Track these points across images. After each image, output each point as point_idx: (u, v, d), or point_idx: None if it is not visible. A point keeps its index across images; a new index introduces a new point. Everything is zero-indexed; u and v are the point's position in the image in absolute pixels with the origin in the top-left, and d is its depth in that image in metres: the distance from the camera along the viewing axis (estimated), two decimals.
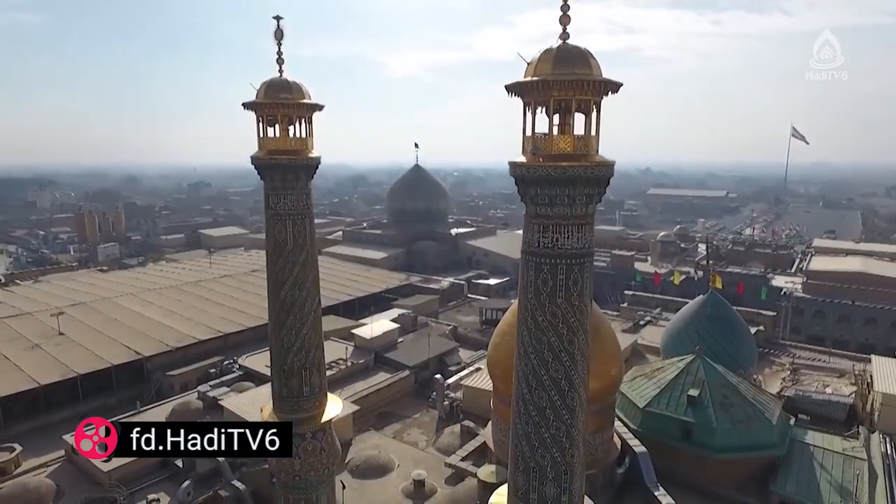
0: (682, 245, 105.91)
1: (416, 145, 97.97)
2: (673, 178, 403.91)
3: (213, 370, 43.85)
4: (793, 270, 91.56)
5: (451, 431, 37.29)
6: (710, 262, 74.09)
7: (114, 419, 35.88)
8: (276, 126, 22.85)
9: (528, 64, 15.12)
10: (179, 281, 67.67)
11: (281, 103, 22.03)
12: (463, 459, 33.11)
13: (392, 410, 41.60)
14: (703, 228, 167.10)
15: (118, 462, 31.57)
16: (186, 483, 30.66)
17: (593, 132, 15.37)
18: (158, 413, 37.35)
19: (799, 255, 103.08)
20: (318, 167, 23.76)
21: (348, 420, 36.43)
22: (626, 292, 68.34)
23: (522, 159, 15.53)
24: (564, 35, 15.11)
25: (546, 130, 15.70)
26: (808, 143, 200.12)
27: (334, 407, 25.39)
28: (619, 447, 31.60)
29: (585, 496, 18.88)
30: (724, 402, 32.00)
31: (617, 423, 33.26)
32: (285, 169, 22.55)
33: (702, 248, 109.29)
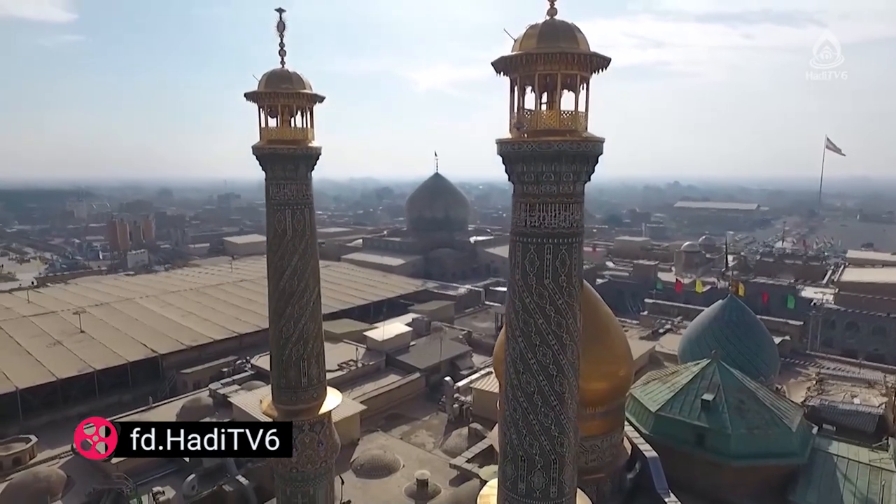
0: (708, 256, 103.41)
1: (436, 154, 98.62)
2: (702, 191, 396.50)
3: (225, 369, 44.28)
4: (824, 282, 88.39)
5: (459, 434, 36.75)
6: (731, 267, 71.92)
7: (125, 415, 36.60)
8: (278, 117, 23.18)
9: (515, 40, 14.93)
10: (200, 284, 68.96)
11: (281, 93, 22.23)
12: (469, 461, 32.49)
13: (401, 412, 41.28)
14: (732, 240, 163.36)
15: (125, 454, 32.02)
16: (191, 477, 30.84)
17: (582, 109, 15.07)
18: (169, 409, 37.78)
19: (832, 267, 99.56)
20: (318, 158, 23.87)
21: (355, 419, 36.24)
22: (646, 300, 66.86)
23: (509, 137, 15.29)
24: (552, 10, 14.90)
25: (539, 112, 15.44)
26: (843, 155, 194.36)
27: (333, 399, 25.23)
28: (630, 452, 30.61)
29: (580, 490, 18.25)
30: (741, 407, 30.74)
31: (628, 428, 32.26)
32: (285, 158, 22.70)
33: (729, 258, 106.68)
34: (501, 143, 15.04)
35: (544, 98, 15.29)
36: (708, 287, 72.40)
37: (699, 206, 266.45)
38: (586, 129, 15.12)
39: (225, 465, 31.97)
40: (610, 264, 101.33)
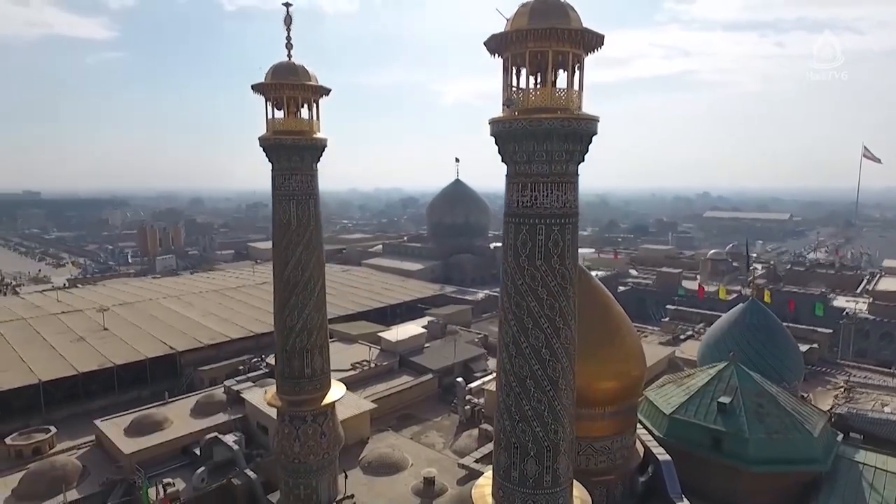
0: (735, 264, 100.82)
1: (457, 160, 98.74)
2: (733, 202, 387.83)
3: (241, 367, 44.78)
4: (858, 291, 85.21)
5: (469, 435, 36.31)
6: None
7: (141, 408, 37.28)
8: (285, 109, 23.51)
9: (507, 20, 14.84)
10: (221, 286, 70.21)
11: (286, 84, 22.61)
12: (477, 461, 31.99)
13: (413, 413, 41.05)
14: (762, 250, 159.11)
15: (138, 446, 32.64)
16: (201, 470, 31.11)
17: (575, 87, 14.88)
18: (184, 405, 38.32)
19: (867, 277, 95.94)
20: (324, 149, 24.13)
21: (365, 418, 36.15)
22: (667, 307, 65.42)
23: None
24: None
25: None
26: (881, 163, 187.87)
27: (337, 391, 25.28)
28: (642, 455, 29.74)
29: (578, 483, 17.77)
30: (759, 411, 29.59)
31: (641, 431, 31.41)
32: (290, 149, 23.00)
33: (757, 267, 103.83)
34: (493, 123, 14.93)
35: (539, 79, 15.20)
36: (734, 295, 70.52)
37: (729, 216, 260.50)
38: (580, 108, 14.91)
39: (234, 459, 32.19)
40: (633, 272, 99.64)
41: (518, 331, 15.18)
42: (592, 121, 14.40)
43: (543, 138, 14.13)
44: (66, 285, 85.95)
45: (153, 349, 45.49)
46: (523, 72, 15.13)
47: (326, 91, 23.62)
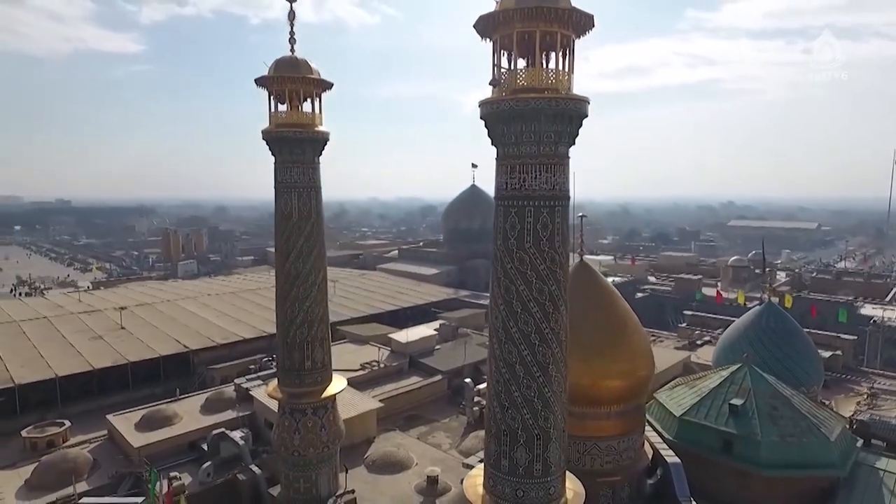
0: (757, 271, 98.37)
1: (474, 165, 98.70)
2: (759, 211, 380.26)
3: (252, 366, 45.11)
4: (888, 299, 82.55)
5: (476, 435, 35.86)
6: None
7: (153, 404, 37.81)
8: (287, 103, 23.78)
9: (497, 2, 14.80)
10: (238, 289, 71.10)
11: (288, 77, 22.87)
12: (482, 461, 31.61)
13: (421, 414, 40.85)
14: (787, 258, 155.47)
15: (147, 440, 33.07)
16: (207, 464, 31.32)
17: (564, 68, 14.75)
18: (195, 401, 38.80)
19: None
20: (326, 142, 24.30)
21: (372, 417, 36.09)
22: (685, 312, 64.17)
23: None
24: None
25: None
26: None
27: (337, 384, 25.25)
28: (651, 457, 29.04)
29: (572, 476, 17.40)
30: (773, 413, 28.68)
31: (651, 433, 30.72)
32: (292, 142, 23.23)
33: (781, 275, 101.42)
34: (482, 105, 14.85)
35: (529, 61, 15.09)
36: (755, 304, 68.83)
37: (753, 225, 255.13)
38: (570, 89, 14.76)
39: (240, 455, 32.35)
40: (652, 279, 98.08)
41: (507, 315, 14.99)
42: (581, 101, 14.23)
43: (531, 119, 14.00)
44: (90, 288, 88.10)
45: (167, 347, 46.19)
46: (514, 56, 15.09)
47: (329, 85, 23.85)
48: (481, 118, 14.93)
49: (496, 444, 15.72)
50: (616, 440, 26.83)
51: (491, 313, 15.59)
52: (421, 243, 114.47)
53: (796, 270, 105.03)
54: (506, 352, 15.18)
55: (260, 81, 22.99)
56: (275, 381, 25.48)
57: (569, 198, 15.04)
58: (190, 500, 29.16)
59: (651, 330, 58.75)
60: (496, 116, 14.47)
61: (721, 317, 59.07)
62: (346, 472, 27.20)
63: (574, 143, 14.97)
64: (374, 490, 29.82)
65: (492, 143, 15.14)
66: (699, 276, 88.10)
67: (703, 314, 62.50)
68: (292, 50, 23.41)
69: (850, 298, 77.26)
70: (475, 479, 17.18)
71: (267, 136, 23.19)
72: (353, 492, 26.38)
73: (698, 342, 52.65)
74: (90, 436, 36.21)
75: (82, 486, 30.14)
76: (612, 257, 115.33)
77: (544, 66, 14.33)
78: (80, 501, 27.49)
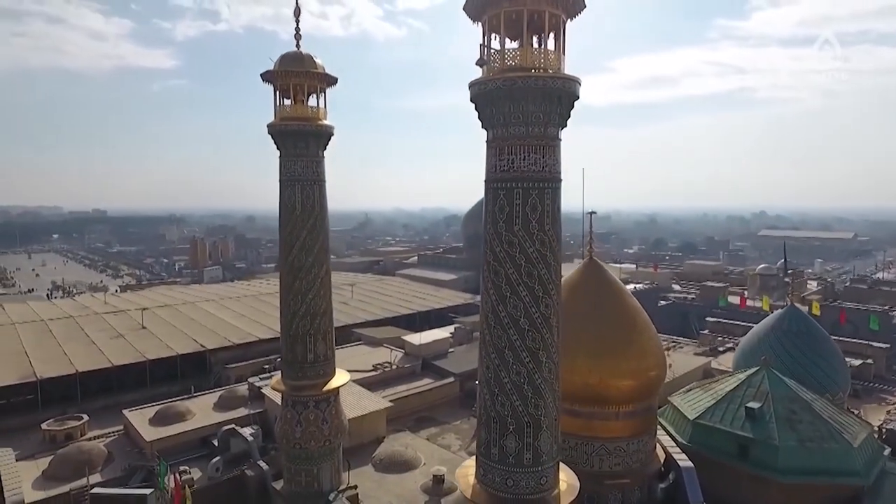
0: (787, 280, 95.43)
1: None
2: (793, 221, 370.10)
3: (266, 366, 45.58)
4: None
5: None
6: (790, 271, 65.59)
7: (168, 401, 38.40)
8: (292, 98, 24.06)
9: None
10: (258, 292, 72.13)
11: (292, 72, 23.15)
12: None
13: (433, 416, 40.57)
14: (821, 269, 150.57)
15: (159, 435, 33.57)
16: (216, 459, 31.59)
17: (552, 48, 14.58)
18: (209, 399, 39.29)
19: None
20: (330, 136, 24.48)
21: (381, 416, 35.98)
22: (707, 319, 62.54)
23: None
24: None
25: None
26: None
27: (340, 378, 25.22)
28: (663, 461, 28.16)
29: (567, 467, 16.96)
30: (791, 418, 27.55)
31: (664, 437, 29.83)
32: (296, 135, 23.47)
33: (812, 284, 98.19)
34: (472, 86, 14.74)
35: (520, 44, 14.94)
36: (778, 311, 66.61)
37: (785, 235, 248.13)
38: (559, 69, 14.57)
39: (249, 451, 32.55)
40: (676, 287, 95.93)
41: (497, 300, 14.76)
42: (569, 80, 14.01)
43: (519, 98, 13.84)
44: (118, 291, 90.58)
45: (185, 346, 47.01)
46: (502, 37, 14.96)
47: (333, 80, 24.09)
48: (471, 100, 14.83)
49: (486, 431, 15.44)
50: (625, 442, 26.11)
51: (482, 299, 15.39)
52: (440, 249, 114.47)
53: (829, 280, 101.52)
54: (495, 337, 14.94)
55: (265, 76, 23.33)
56: (279, 375, 25.60)
57: (560, 180, 14.78)
58: (199, 494, 29.46)
59: (671, 337, 57.43)
60: (485, 97, 14.35)
61: (744, 323, 57.29)
62: (349, 469, 27.06)
63: (565, 125, 14.74)
64: (379, 488, 29.63)
65: (482, 126, 15.01)
66: (726, 284, 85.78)
67: (725, 321, 60.83)
68: (298, 45, 23.74)
69: (886, 308, 74.24)
70: (468, 468, 16.89)
71: (272, 129, 23.49)
72: (355, 487, 26.24)
73: (720, 348, 51.21)
74: (107, 430, 36.92)
75: (96, 478, 30.69)
76: (634, 265, 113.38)
77: (534, 46, 14.19)
78: (90, 491, 27.97)
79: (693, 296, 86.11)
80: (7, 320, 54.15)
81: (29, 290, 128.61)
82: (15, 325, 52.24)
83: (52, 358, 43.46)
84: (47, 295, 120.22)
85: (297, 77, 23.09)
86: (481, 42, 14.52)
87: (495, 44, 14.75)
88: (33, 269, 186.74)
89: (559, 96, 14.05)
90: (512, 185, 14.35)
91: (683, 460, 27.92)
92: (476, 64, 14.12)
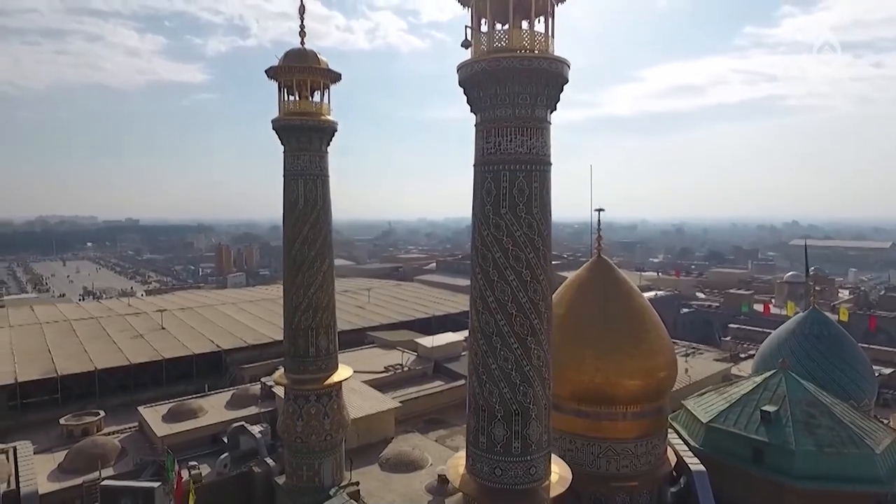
0: (817, 288, 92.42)
1: None
2: (826, 231, 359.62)
3: (280, 366, 45.84)
4: None
5: None
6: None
7: (181, 399, 38.94)
8: (296, 94, 24.34)
9: None
10: (277, 296, 72.86)
11: (295, 67, 23.43)
12: None
13: (443, 418, 40.22)
14: (856, 279, 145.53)
15: (171, 431, 34.02)
16: (224, 456, 31.88)
17: (540, 29, 14.45)
18: (221, 397, 39.73)
19: None
20: (333, 132, 24.67)
21: (390, 417, 35.83)
22: (729, 326, 60.88)
23: None
24: None
25: None
26: None
27: (343, 372, 25.20)
28: (673, 464, 27.32)
29: (561, 461, 16.56)
30: (810, 422, 26.47)
31: (677, 441, 28.98)
32: (299, 130, 23.69)
33: (844, 293, 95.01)
34: (459, 69, 14.68)
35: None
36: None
37: (819, 244, 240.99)
38: (548, 51, 14.41)
39: (257, 449, 32.73)
40: (700, 295, 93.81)
41: (484, 284, 14.58)
42: (555, 60, 13.84)
43: (505, 79, 13.72)
44: (143, 295, 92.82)
45: (201, 347, 47.75)
46: (489, 20, 14.88)
47: (336, 76, 24.30)
48: (460, 84, 14.75)
49: (475, 420, 15.17)
50: (633, 443, 25.47)
51: (471, 284, 15.21)
52: (460, 255, 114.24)
53: (862, 288, 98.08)
54: (483, 322, 14.73)
55: (270, 72, 23.65)
56: (283, 369, 25.72)
57: (549, 163, 14.57)
58: (207, 489, 29.71)
59: (691, 344, 56.00)
60: (472, 79, 14.27)
61: (767, 330, 55.53)
62: (352, 466, 26.95)
63: (554, 108, 14.54)
64: (384, 487, 29.41)
65: (471, 110, 14.92)
66: (750, 292, 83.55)
67: (748, 327, 59.17)
68: (302, 42, 24.02)
69: None
70: (458, 459, 16.59)
71: (275, 124, 23.76)
72: (356, 484, 26.07)
73: (741, 355, 49.74)
74: (122, 426, 37.62)
75: (108, 472, 31.21)
76: (656, 273, 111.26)
77: (517, 23, 14.06)
78: (101, 483, 28.41)
79: (717, 304, 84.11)
80: (35, 320, 55.89)
81: (61, 295, 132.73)
82: (41, 324, 53.86)
83: (73, 355, 44.61)
84: (79, 299, 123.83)
85: (301, 73, 23.35)
86: (471, 26, 14.46)
87: (486, 30, 14.68)
88: (67, 276, 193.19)
89: (546, 77, 13.88)
90: (498, 167, 14.19)
91: (695, 464, 27.09)
92: (461, 45, 14.05)
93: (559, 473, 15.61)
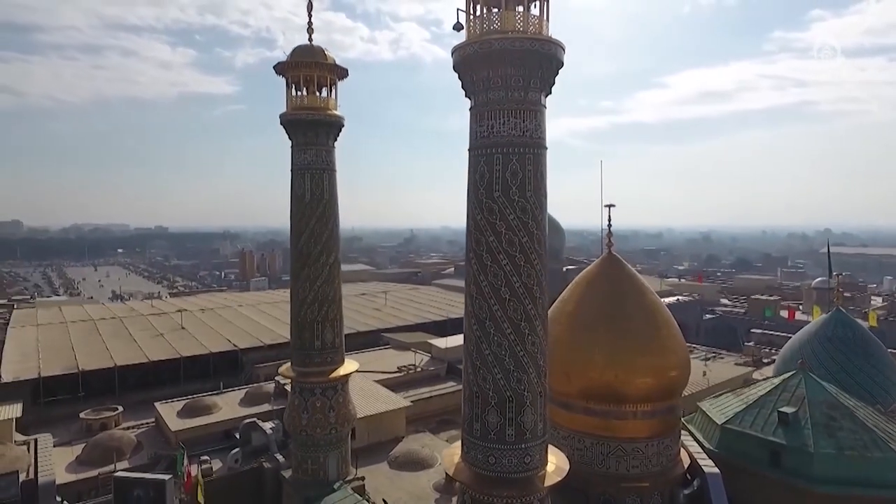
0: (847, 294, 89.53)
1: None
2: (861, 239, 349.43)
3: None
4: None
5: None
6: (838, 275, 60.91)
7: (197, 395, 39.50)
8: (304, 89, 24.65)
9: None
10: None
11: (302, 63, 23.76)
12: None
13: (455, 419, 39.89)
14: (890, 288, 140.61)
15: (185, 426, 34.52)
16: (235, 451, 32.16)
17: (534, 12, 14.36)
18: (236, 395, 40.19)
19: None
20: (340, 127, 24.90)
21: (401, 416, 35.76)
22: (752, 331, 59.29)
23: None
24: None
25: None
26: None
27: (348, 367, 25.24)
28: (687, 466, 26.57)
29: (557, 450, 16.25)
30: (830, 424, 25.48)
31: (691, 443, 28.20)
32: (306, 125, 23.98)
33: (876, 300, 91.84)
34: (453, 53, 14.66)
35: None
36: None
37: (851, 252, 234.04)
38: (541, 33, 14.31)
39: (268, 445, 32.95)
40: (725, 301, 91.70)
41: (478, 269, 14.44)
42: (548, 42, 13.71)
43: (497, 61, 13.65)
44: (167, 297, 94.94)
45: (218, 345, 48.48)
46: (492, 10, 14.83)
47: (343, 72, 24.55)
48: (454, 69, 14.72)
49: (469, 407, 15.02)
50: (644, 443, 24.86)
51: (465, 268, 15.09)
52: None
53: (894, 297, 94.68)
54: (477, 307, 14.59)
55: (278, 68, 24.01)
56: (289, 363, 25.87)
57: (544, 147, 14.41)
58: (218, 483, 30.00)
59: (712, 348, 54.72)
60: (465, 63, 14.23)
61: (791, 335, 54.02)
62: (358, 462, 26.92)
63: (549, 91, 14.41)
64: (391, 485, 29.29)
65: (466, 95, 14.88)
66: (776, 298, 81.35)
67: (772, 332, 57.54)
68: (310, 39, 24.37)
69: None
70: (454, 449, 16.44)
71: (283, 119, 24.09)
72: (362, 479, 26.01)
73: (764, 360, 48.34)
74: (140, 421, 38.35)
75: (124, 465, 31.82)
76: (678, 278, 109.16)
77: (510, 7, 14.00)
78: (114, 474, 28.91)
79: (742, 310, 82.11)
80: (61, 320, 57.48)
81: (90, 298, 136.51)
82: (67, 323, 55.38)
83: (95, 352, 45.70)
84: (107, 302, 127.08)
85: (308, 68, 23.65)
86: (465, 10, 14.46)
87: (477, 11, 14.64)
88: (98, 280, 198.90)
89: (539, 59, 13.77)
90: (491, 150, 14.10)
91: (709, 466, 26.28)
92: (453, 28, 14.04)
93: (556, 463, 15.30)
